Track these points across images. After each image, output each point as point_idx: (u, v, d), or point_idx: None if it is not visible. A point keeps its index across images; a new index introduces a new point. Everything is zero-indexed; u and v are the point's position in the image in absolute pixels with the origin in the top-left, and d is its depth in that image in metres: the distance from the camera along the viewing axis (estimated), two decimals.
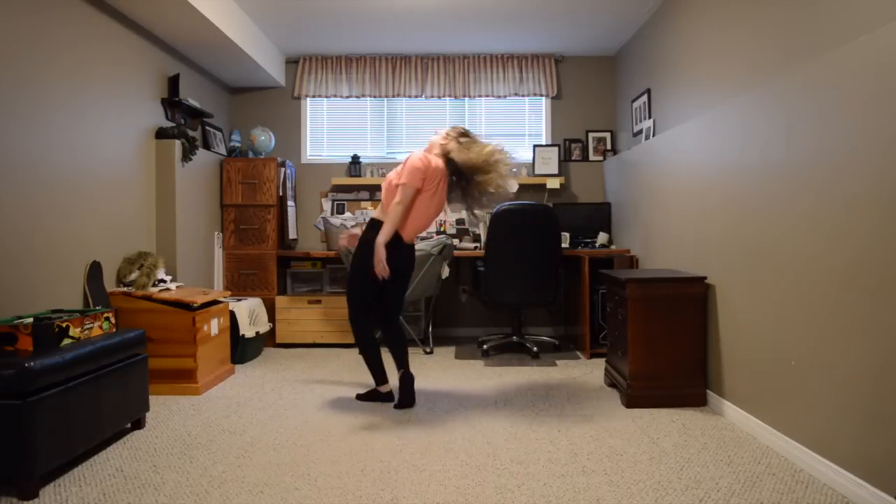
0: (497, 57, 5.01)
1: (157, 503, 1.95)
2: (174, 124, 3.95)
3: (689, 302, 2.96)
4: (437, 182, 2.94)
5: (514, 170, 5.03)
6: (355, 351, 4.41)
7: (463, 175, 2.99)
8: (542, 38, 4.66)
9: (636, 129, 4.43)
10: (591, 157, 5.10)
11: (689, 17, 3.43)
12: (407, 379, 3.00)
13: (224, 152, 4.79)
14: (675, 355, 2.95)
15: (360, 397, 3.12)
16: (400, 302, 3.10)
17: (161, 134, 3.76)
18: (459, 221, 5.01)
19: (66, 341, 2.31)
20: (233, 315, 3.92)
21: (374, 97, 5.06)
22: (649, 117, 4.12)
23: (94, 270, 3.10)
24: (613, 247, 4.65)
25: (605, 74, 5.11)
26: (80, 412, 2.21)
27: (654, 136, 4.00)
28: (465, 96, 5.01)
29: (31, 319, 2.26)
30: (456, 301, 5.10)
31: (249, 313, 4.09)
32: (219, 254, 4.51)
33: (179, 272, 3.81)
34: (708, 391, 2.98)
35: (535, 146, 5.03)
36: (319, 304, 4.53)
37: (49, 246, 2.78)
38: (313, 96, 5.06)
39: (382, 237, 2.78)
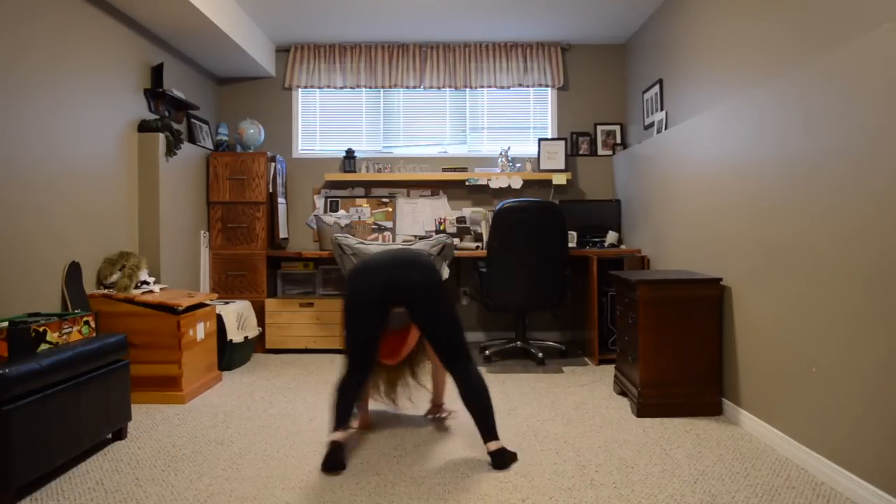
0: (500, 45, 5.01)
1: None
2: (158, 117, 3.95)
3: (703, 305, 2.96)
4: None
5: (519, 165, 5.05)
6: None
7: None
8: (547, 24, 4.67)
9: (647, 121, 4.43)
10: (600, 151, 5.11)
11: (702, 2, 3.43)
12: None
13: (211, 146, 4.79)
14: (688, 362, 2.96)
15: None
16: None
17: (144, 127, 3.76)
18: (460, 220, 5.01)
19: (43, 347, 2.31)
20: (220, 319, 3.92)
21: (370, 88, 5.07)
22: (661, 109, 4.12)
23: (73, 271, 3.10)
24: (623, 246, 4.65)
25: (615, 64, 5.11)
26: (58, 422, 2.21)
27: (666, 129, 4.00)
28: (465, 87, 5.02)
29: (6, 323, 2.26)
30: (456, 304, 5.11)
31: (237, 317, 4.09)
32: (205, 254, 4.51)
33: (163, 273, 3.81)
34: (723, 399, 2.98)
35: (540, 140, 5.03)
36: (312, 307, 4.53)
37: (25, 245, 2.78)
38: (305, 87, 5.06)
39: None
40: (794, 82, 2.40)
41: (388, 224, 5.06)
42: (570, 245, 4.44)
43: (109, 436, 2.64)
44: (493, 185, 4.93)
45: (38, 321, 2.35)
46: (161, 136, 3.79)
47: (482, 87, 5.03)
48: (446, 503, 2.04)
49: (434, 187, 5.12)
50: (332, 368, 4.07)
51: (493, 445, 2.35)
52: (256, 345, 4.49)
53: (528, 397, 3.33)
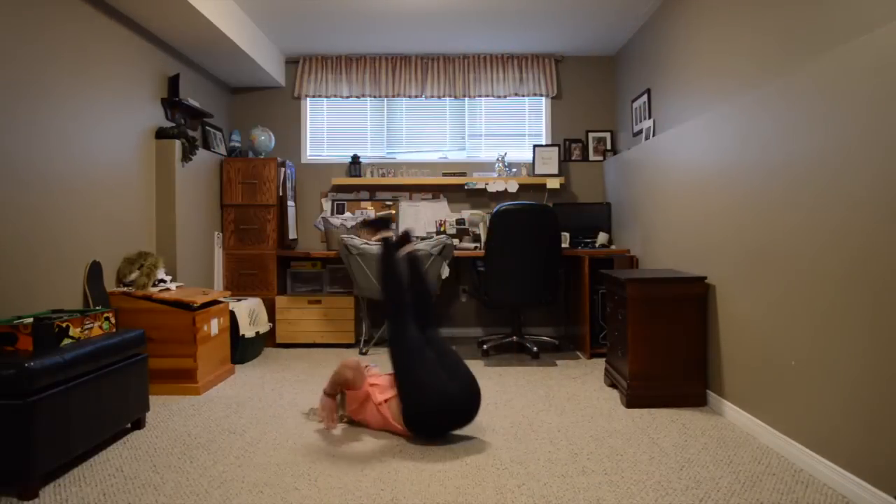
0: (497, 57, 5.01)
1: (158, 503, 1.95)
2: (174, 124, 3.95)
3: (689, 302, 2.96)
4: None
5: (515, 170, 5.04)
6: (355, 351, 4.42)
7: None
8: (542, 38, 4.66)
9: (636, 129, 4.43)
10: (591, 157, 5.11)
11: (689, 16, 3.43)
12: None
13: (224, 152, 4.79)
14: (675, 355, 2.95)
15: None
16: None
17: (161, 134, 3.76)
18: (459, 222, 5.01)
19: (66, 341, 2.31)
20: (233, 315, 3.92)
21: (374, 97, 5.06)
22: (649, 117, 4.12)
23: (94, 270, 3.10)
24: (613, 247, 4.65)
25: (605, 74, 5.11)
26: (80, 412, 2.21)
27: (654, 136, 4.00)
28: (465, 96, 5.02)
29: (31, 319, 2.26)
30: (456, 301, 5.10)
31: (249, 313, 4.09)
32: (219, 254, 4.51)
33: (179, 272, 3.81)
34: (708, 391, 2.98)
35: (535, 146, 5.03)
36: (319, 304, 4.53)
37: (49, 246, 2.78)
38: (313, 96, 5.06)
39: None
40: (774, 91, 2.40)
41: (392, 226, 5.05)
42: (563, 245, 4.43)
43: (128, 425, 2.64)
44: (491, 188, 4.93)
45: (61, 317, 2.35)
46: (177, 142, 3.79)
47: (480, 96, 5.03)
48: (446, 489, 2.04)
49: (435, 191, 5.12)
50: (339, 361, 4.05)
51: None
52: (267, 339, 4.48)
53: (523, 389, 3.33)
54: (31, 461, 1.97)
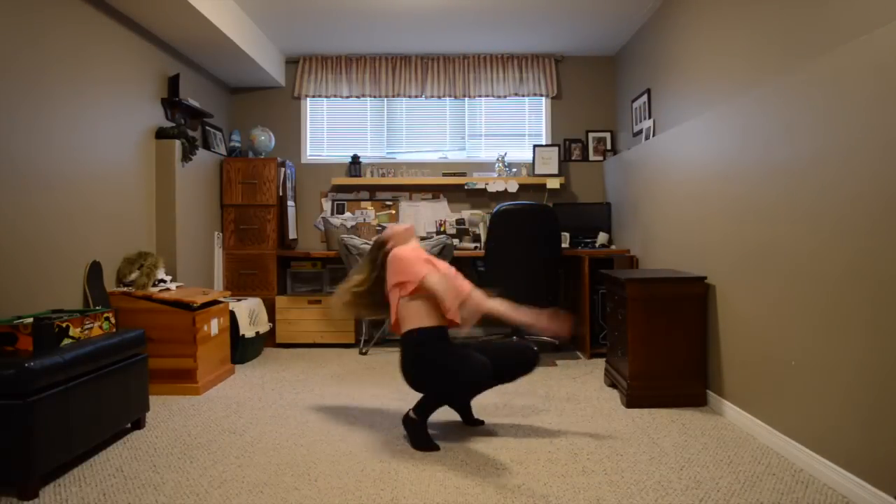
0: (497, 57, 5.01)
1: (157, 503, 1.95)
2: (174, 124, 3.95)
3: (689, 302, 2.96)
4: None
5: (515, 170, 5.04)
6: (355, 351, 4.42)
7: None
8: (542, 38, 4.66)
9: (636, 129, 4.43)
10: (591, 157, 5.10)
11: (689, 17, 3.43)
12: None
13: (224, 152, 4.79)
14: (675, 355, 2.95)
15: None
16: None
17: (161, 134, 3.76)
18: (459, 222, 5.01)
19: (66, 341, 2.31)
20: (233, 315, 3.92)
21: (374, 97, 5.06)
22: (649, 117, 4.12)
23: (94, 270, 3.10)
24: (613, 247, 4.65)
25: (605, 74, 5.11)
26: (79, 412, 2.21)
27: (654, 136, 4.00)
28: (465, 96, 5.01)
29: (31, 319, 2.26)
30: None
31: (249, 313, 4.09)
32: (219, 254, 4.51)
33: (179, 272, 3.81)
34: (708, 391, 2.98)
35: (535, 146, 5.03)
36: (319, 304, 4.53)
37: (49, 246, 2.78)
38: (313, 96, 5.06)
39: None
40: (774, 91, 2.40)
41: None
42: (563, 245, 4.43)
43: (128, 425, 2.64)
44: (491, 188, 4.93)
45: (61, 317, 2.35)
46: (177, 142, 3.79)
47: (480, 96, 5.02)
48: (446, 489, 2.04)
49: (435, 191, 5.12)
50: (339, 361, 4.06)
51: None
52: (267, 339, 4.48)
53: (522, 389, 3.33)
54: (31, 461, 1.97)
